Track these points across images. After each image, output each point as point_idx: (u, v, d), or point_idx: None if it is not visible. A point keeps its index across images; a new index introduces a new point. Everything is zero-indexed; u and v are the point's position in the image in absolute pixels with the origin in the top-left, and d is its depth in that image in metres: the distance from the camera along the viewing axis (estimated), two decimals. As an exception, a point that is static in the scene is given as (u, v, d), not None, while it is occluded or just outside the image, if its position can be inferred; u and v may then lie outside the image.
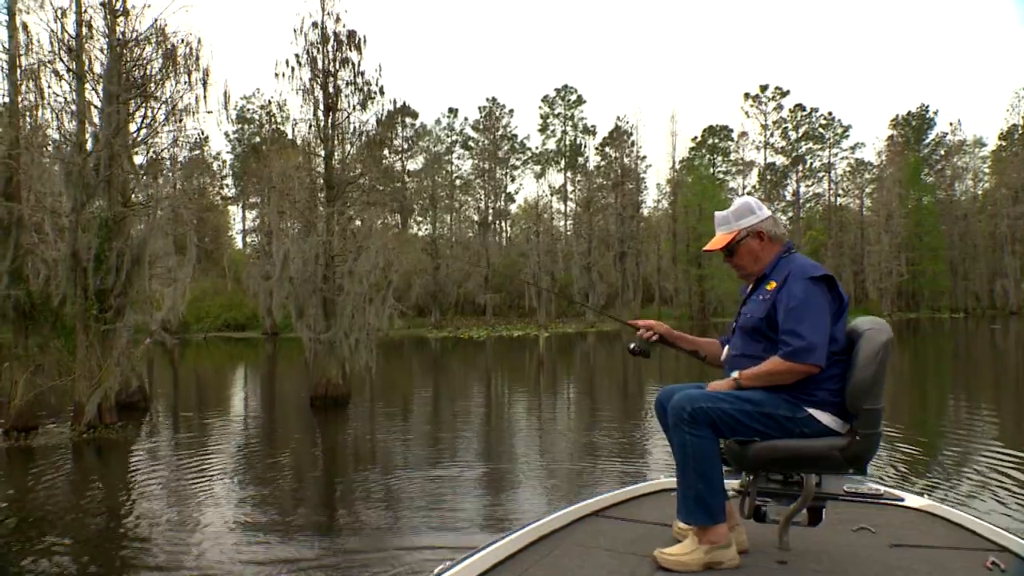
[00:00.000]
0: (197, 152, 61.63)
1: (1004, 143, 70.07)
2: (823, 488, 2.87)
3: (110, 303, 12.46)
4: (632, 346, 3.33)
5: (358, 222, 19.12)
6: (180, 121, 13.16)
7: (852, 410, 2.80)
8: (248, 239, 62.83)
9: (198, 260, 59.90)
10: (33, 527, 7.50)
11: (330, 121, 16.38)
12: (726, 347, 3.19)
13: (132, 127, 14.44)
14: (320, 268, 15.83)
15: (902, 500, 3.68)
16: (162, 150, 15.13)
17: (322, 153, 16.48)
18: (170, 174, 16.49)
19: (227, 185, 65.50)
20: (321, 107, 16.48)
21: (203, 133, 70.53)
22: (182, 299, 16.17)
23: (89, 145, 12.63)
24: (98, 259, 12.30)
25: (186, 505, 8.31)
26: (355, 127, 16.89)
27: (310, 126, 16.10)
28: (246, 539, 7.04)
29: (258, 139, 57.62)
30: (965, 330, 45.34)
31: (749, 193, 72.97)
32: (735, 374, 2.94)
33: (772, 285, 2.95)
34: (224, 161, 65.32)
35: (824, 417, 2.82)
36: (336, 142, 16.77)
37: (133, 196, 14.06)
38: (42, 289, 12.32)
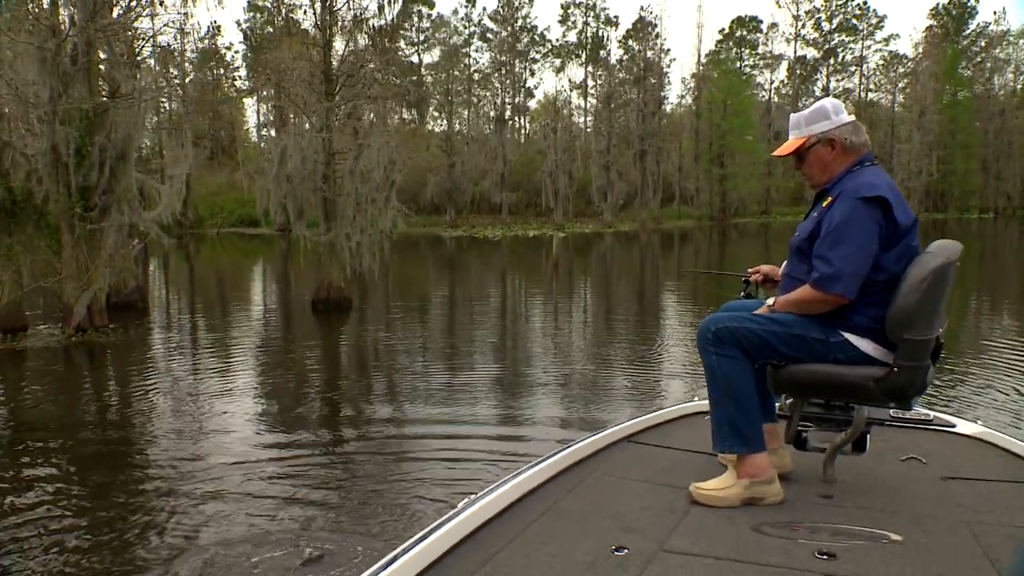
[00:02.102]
0: (210, 42, 60.06)
1: (1050, 35, 66.41)
2: (867, 412, 2.69)
3: (95, 201, 11.82)
4: (742, 285, 3.27)
5: (371, 116, 18.19)
6: (162, 5, 12.10)
7: (893, 339, 2.58)
8: (263, 133, 61.64)
9: (212, 154, 59.14)
10: (21, 431, 7.26)
11: (327, 6, 15.22)
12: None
13: (116, 12, 13.53)
14: (320, 166, 15.04)
15: (953, 426, 3.46)
16: (150, 37, 14.16)
17: (320, 43, 15.38)
18: (153, 63, 15.45)
19: (240, 77, 63.83)
20: (318, -9, 15.30)
21: (214, 23, 68.54)
22: (178, 196, 15.50)
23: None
24: (79, 154, 11.59)
25: (171, 412, 8.02)
26: (356, 14, 15.74)
27: (304, 12, 14.95)
28: (232, 445, 6.76)
29: (270, 29, 55.60)
30: (994, 231, 43.98)
31: (777, 89, 70.34)
32: (770, 300, 2.80)
33: (828, 201, 2.72)
34: (237, 52, 63.50)
35: (863, 344, 2.62)
36: (336, 30, 15.67)
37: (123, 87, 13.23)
38: (23, 185, 11.68)
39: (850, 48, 69.03)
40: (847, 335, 2.64)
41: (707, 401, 2.79)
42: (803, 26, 68.44)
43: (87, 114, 11.69)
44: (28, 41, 10.99)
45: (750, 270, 3.27)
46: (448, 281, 22.42)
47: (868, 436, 2.76)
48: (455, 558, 2.14)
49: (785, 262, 2.97)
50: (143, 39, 13.67)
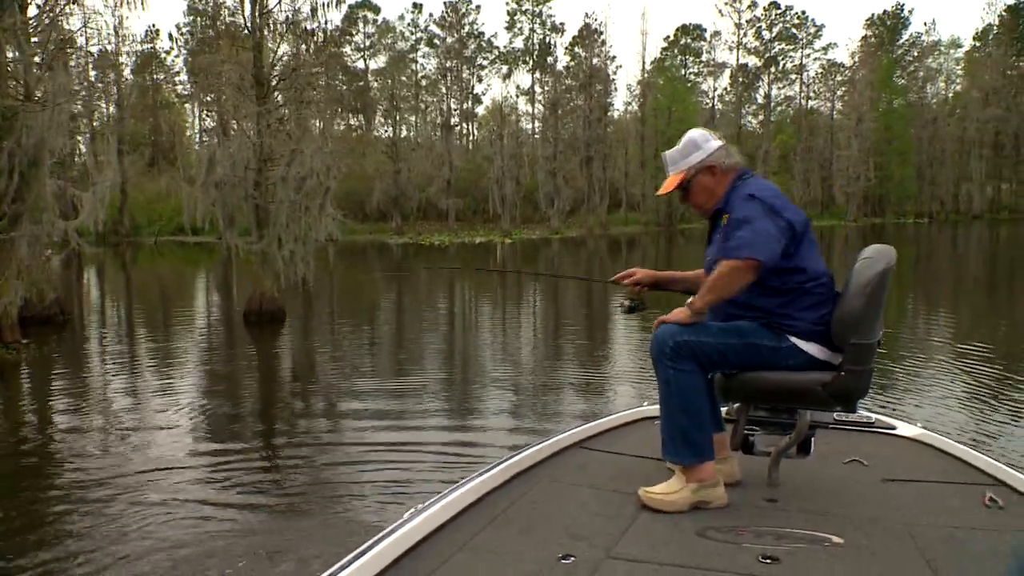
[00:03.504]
0: (148, 46, 58.36)
1: (979, 43, 68.50)
2: (812, 416, 2.74)
3: (3, 209, 11.09)
4: (624, 304, 3.11)
5: (313, 122, 17.65)
6: (76, 3, 11.42)
7: (839, 343, 2.65)
8: (204, 139, 60.09)
9: (152, 160, 57.47)
10: None
11: (258, 8, 14.64)
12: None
13: (31, 11, 12.81)
14: (251, 173, 14.44)
15: (894, 429, 3.53)
16: (66, 38, 13.42)
17: (250, 45, 14.80)
18: (73, 65, 14.70)
19: (180, 82, 62.15)
20: (247, -9, 14.71)
21: (153, 26, 66.70)
22: (103, 204, 14.75)
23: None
24: (-14, 161, 10.86)
25: (83, 431, 7.55)
26: (288, 16, 15.20)
27: (232, 14, 14.38)
28: (147, 462, 6.42)
29: (211, 32, 54.28)
30: (928, 235, 45.06)
31: (720, 96, 71.27)
32: (689, 300, 2.72)
33: (725, 218, 2.79)
34: (178, 57, 61.79)
35: (810, 348, 2.68)
36: (267, 33, 15.10)
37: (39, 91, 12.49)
38: (-76, 194, 10.90)
39: (790, 56, 70.22)
40: (794, 340, 2.68)
41: (656, 406, 2.82)
42: (745, 35, 69.45)
43: (-6, 118, 10.97)
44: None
45: (622, 276, 3.14)
46: (393, 289, 21.90)
47: (812, 439, 2.79)
48: (399, 570, 2.11)
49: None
50: (60, 41, 12.89)
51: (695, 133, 2.94)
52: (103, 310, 18.70)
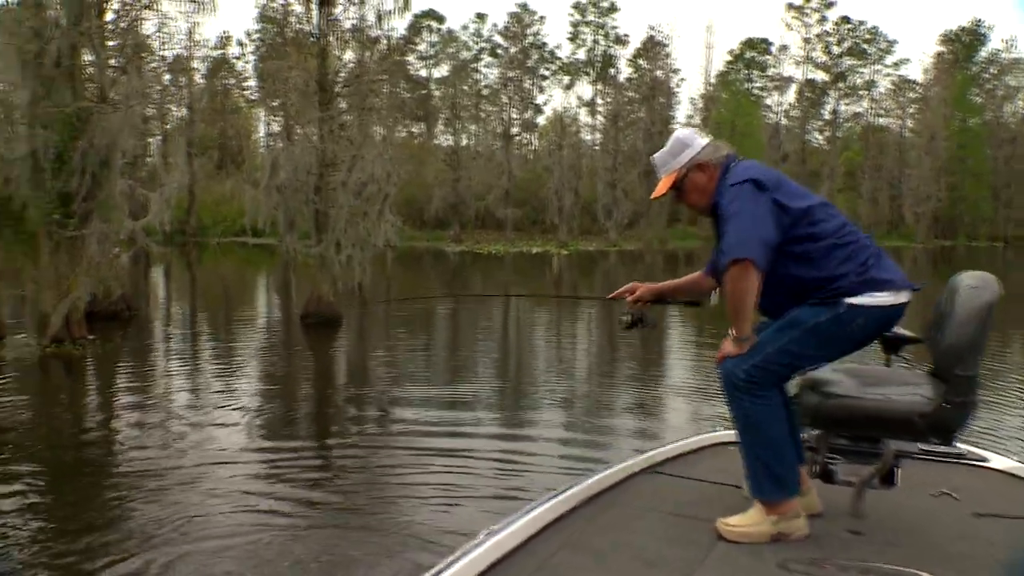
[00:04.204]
0: (220, 52, 60.07)
1: (1061, 63, 65.84)
2: (897, 445, 2.65)
3: (75, 208, 11.44)
4: (625, 318, 3.03)
5: (376, 129, 17.83)
6: (152, 8, 11.75)
7: (943, 374, 2.54)
8: (270, 143, 61.44)
9: (219, 163, 59.04)
10: None
11: (324, 15, 14.87)
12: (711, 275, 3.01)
13: (108, 16, 13.22)
14: (312, 177, 14.65)
15: (986, 461, 3.38)
16: (141, 42, 13.83)
17: (315, 52, 15.03)
18: (144, 69, 15.13)
19: (250, 88, 63.73)
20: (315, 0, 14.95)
21: (225, 32, 68.69)
22: (168, 204, 15.14)
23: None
24: (60, 159, 11.22)
25: (143, 426, 7.75)
26: (353, 24, 15.40)
27: (300, 21, 14.64)
28: (205, 458, 6.57)
29: (280, 39, 55.55)
30: (1004, 260, 43.34)
31: (786, 112, 69.98)
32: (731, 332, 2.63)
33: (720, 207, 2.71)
34: (248, 63, 63.41)
35: (866, 299, 2.53)
36: (332, 39, 15.33)
37: (113, 93, 12.90)
38: (1, 190, 11.29)
39: (859, 72, 68.54)
40: (848, 300, 2.55)
41: (731, 432, 2.81)
42: (813, 49, 68.07)
43: (70, 118, 11.33)
44: (8, 42, 10.64)
45: (621, 292, 3.09)
46: (446, 299, 21.96)
47: (898, 470, 2.69)
48: None
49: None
50: (135, 45, 13.28)
51: (681, 132, 2.89)
52: (167, 307, 19.18)
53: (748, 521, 2.57)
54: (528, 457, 6.68)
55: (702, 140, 2.83)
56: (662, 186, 2.85)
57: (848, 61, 68.11)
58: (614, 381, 10.45)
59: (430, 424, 7.80)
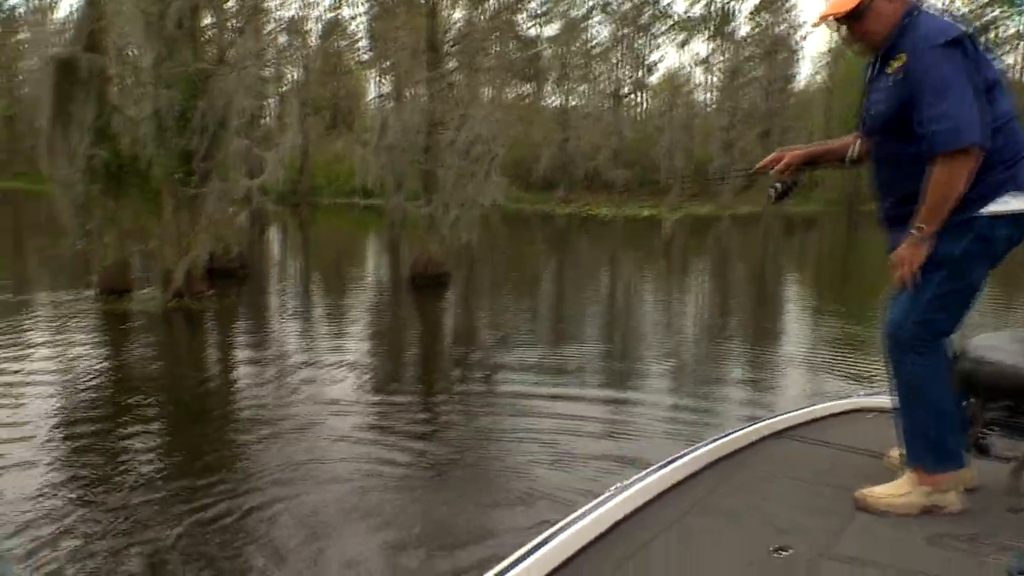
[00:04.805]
0: (334, 13, 61.30)
1: None
2: None
3: (195, 166, 11.88)
4: (774, 189, 2.77)
5: (483, 89, 17.81)
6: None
7: None
8: (381, 104, 62.50)
9: (332, 124, 60.68)
10: (121, 391, 7.54)
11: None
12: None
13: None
14: (421, 137, 14.71)
15: None
16: (258, 4, 14.14)
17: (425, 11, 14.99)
18: (264, 31, 15.46)
19: (362, 48, 64.88)
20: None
21: (339, -6, 69.92)
22: (283, 164, 15.56)
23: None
24: (182, 119, 11.65)
25: (258, 379, 8.20)
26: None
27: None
28: (322, 410, 6.83)
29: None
30: None
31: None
32: (912, 231, 2.25)
33: (901, 59, 2.27)
34: (361, 24, 64.49)
35: (1008, 203, 2.21)
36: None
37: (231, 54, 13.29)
38: (129, 149, 11.84)
39: (1006, 23, 63.36)
40: (988, 210, 2.22)
41: (869, 398, 2.76)
42: (952, 0, 63.34)
43: (191, 79, 11.72)
44: (133, 5, 11.06)
45: (766, 162, 2.77)
46: (555, 259, 21.86)
47: None
48: (603, 545, 2.09)
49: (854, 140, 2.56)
50: (252, 8, 13.59)
51: None
52: (282, 266, 19.90)
53: (895, 491, 2.38)
54: (638, 419, 6.63)
55: None
56: (842, 3, 2.36)
57: (994, 11, 63.04)
58: (727, 347, 10.13)
59: (537, 384, 7.83)
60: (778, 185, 2.76)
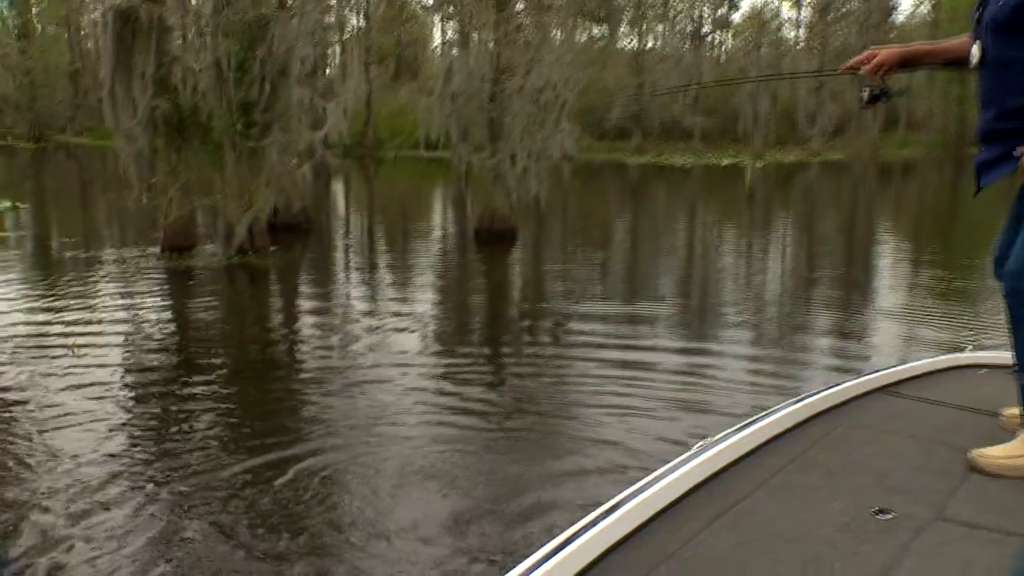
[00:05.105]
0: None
1: None
2: None
3: (255, 118, 12.08)
4: (864, 93, 2.59)
5: (552, 32, 17.51)
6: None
7: None
8: (448, 52, 62.29)
9: (396, 74, 60.74)
10: (184, 346, 7.88)
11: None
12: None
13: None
14: (487, 84, 14.61)
15: None
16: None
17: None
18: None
19: (426, -6, 64.57)
20: None
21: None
22: (346, 115, 15.69)
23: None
24: (241, 68, 11.82)
25: (320, 333, 8.42)
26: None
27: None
28: (387, 366, 6.99)
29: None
30: None
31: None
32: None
33: None
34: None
35: None
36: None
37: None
38: (189, 101, 12.11)
39: None
40: None
41: (982, 353, 2.69)
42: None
43: (250, 26, 11.86)
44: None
45: (858, 60, 2.57)
46: (629, 212, 21.61)
47: None
48: (695, 500, 2.09)
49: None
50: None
51: None
52: (347, 220, 20.22)
53: (1013, 452, 2.31)
54: (715, 376, 6.58)
55: None
56: None
57: None
58: (812, 301, 9.92)
59: (608, 339, 7.86)
60: (871, 87, 2.59)
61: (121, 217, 16.16)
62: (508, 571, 1.51)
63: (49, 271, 11.94)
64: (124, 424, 5.62)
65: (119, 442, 5.27)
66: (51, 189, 25.58)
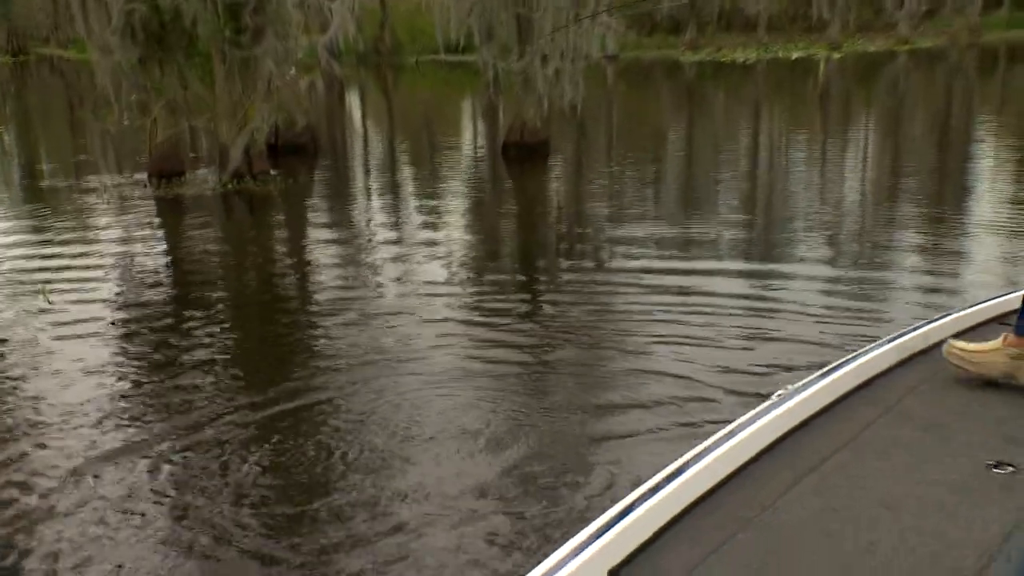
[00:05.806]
0: None
1: None
2: None
3: (245, 21, 11.72)
4: None
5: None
6: None
7: None
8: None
9: (412, -32, 59.36)
10: (176, 283, 7.88)
11: None
12: None
13: None
14: (513, -27, 14.01)
15: None
16: None
17: None
18: None
19: None
20: None
21: None
22: (352, 16, 15.28)
23: None
24: (225, -36, 11.45)
25: (339, 263, 8.40)
26: None
27: None
28: (399, 295, 7.09)
29: None
30: None
31: None
32: None
33: None
34: None
35: None
36: None
37: None
38: (170, 2, 11.74)
39: None
40: None
41: None
42: None
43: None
44: None
45: None
46: (683, 118, 20.99)
47: None
48: (775, 458, 2.06)
49: None
50: None
51: None
52: (360, 137, 19.93)
53: (982, 347, 2.46)
54: (782, 309, 6.31)
55: None
56: None
57: None
58: (900, 216, 9.45)
59: (661, 259, 7.79)
60: None
61: (107, 141, 16.07)
62: (566, 540, 1.48)
63: (26, 202, 11.96)
64: (117, 364, 5.65)
65: (112, 382, 5.33)
66: (28, 110, 25.66)
